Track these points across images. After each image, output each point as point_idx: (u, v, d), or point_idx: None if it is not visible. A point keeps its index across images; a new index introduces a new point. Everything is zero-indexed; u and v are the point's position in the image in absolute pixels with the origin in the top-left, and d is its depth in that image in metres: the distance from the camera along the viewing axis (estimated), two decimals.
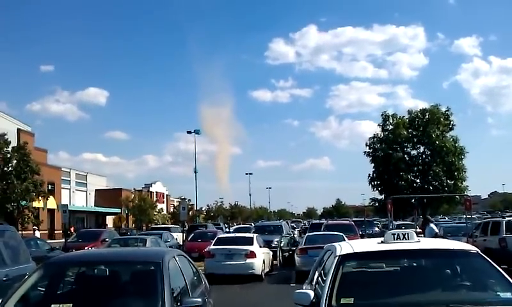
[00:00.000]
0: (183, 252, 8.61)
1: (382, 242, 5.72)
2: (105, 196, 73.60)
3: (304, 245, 19.14)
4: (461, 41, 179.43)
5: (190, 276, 7.11)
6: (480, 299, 4.92)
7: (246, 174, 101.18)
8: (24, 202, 31.69)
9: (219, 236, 22.83)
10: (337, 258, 5.50)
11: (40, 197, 33.84)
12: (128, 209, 69.29)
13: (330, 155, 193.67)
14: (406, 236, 5.64)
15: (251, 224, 47.74)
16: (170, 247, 24.29)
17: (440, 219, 56.29)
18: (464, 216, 29.02)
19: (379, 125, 43.01)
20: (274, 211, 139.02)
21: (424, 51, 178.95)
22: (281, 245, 23.49)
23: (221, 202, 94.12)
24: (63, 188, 62.82)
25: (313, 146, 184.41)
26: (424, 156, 41.89)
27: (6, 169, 30.92)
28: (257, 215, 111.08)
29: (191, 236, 30.83)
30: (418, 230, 24.89)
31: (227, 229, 45.21)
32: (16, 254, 9.88)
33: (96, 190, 75.22)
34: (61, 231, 47.91)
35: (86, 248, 21.04)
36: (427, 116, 41.29)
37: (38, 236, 31.16)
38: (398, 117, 42.58)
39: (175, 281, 5.96)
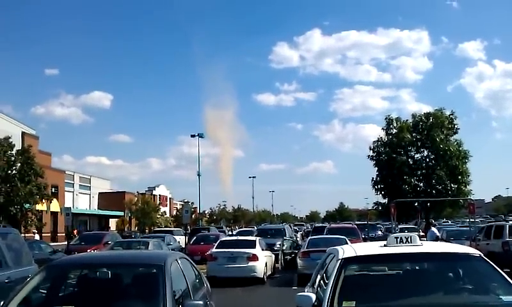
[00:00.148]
0: (185, 255, 8.60)
1: (385, 246, 5.71)
2: (109, 199, 73.69)
3: (307, 248, 19.11)
4: (465, 45, 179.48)
5: (192, 279, 7.10)
6: (483, 303, 4.91)
7: (249, 177, 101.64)
8: (28, 205, 31.73)
9: (222, 239, 22.83)
10: (339, 261, 5.49)
11: (44, 200, 33.86)
12: (131, 212, 69.37)
13: (334, 159, 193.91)
14: (409, 239, 5.63)
15: (253, 227, 47.74)
16: (173, 250, 24.27)
17: (443, 222, 56.14)
18: (468, 220, 28.99)
19: (382, 128, 43.01)
20: (277, 214, 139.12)
21: (428, 55, 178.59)
22: (284, 248, 23.46)
23: (224, 205, 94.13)
24: (67, 191, 62.95)
25: (317, 149, 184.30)
26: (427, 160, 41.81)
27: (10, 172, 30.95)
28: (260, 218, 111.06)
29: (193, 239, 30.85)
30: (421, 234, 24.86)
31: (229, 232, 45.24)
32: (18, 257, 9.90)
33: (99, 193, 75.34)
34: (63, 234, 47.99)
35: (88, 251, 21.07)
36: (431, 120, 41.21)
37: (38, 239, 31.21)
38: (402, 121, 42.55)
39: (176, 284, 5.96)
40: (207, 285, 8.09)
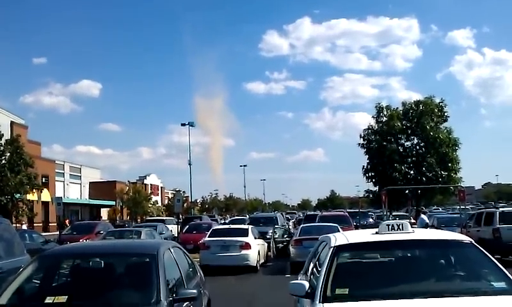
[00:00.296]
0: (178, 244, 8.61)
1: (376, 233, 5.75)
2: (100, 189, 73.50)
3: (299, 236, 19.18)
4: (454, 33, 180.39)
5: (185, 268, 7.12)
6: (474, 289, 4.95)
7: (240, 166, 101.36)
8: (18, 195, 31.58)
9: (214, 227, 22.86)
10: (332, 248, 5.52)
11: (34, 190, 33.74)
12: (122, 201, 69.25)
13: (324, 147, 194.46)
14: (401, 227, 5.67)
15: (245, 216, 47.82)
16: (165, 239, 24.33)
17: (434, 209, 56.53)
18: (458, 207, 29.21)
19: (373, 116, 43.07)
20: (268, 203, 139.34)
21: (417, 43, 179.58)
22: (276, 236, 23.55)
23: (216, 194, 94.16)
24: (57, 181, 62.71)
25: (307, 137, 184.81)
26: (417, 147, 41.96)
27: None
28: (252, 206, 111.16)
29: (185, 228, 30.85)
30: (413, 221, 25.03)
31: (222, 221, 45.30)
32: (10, 247, 9.85)
33: (90, 182, 75.12)
34: (55, 224, 47.84)
35: (80, 240, 21.03)
36: (421, 108, 41.32)
37: (25, 228, 31.10)
38: (392, 109, 42.60)
39: (170, 273, 5.97)
40: (200, 274, 8.11)
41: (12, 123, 48.79)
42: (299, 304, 5.82)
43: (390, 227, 5.68)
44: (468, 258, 5.57)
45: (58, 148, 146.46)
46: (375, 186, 42.44)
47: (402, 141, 42.38)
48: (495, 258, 5.54)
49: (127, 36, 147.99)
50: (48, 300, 5.41)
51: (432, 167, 39.60)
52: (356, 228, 24.93)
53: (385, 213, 28.78)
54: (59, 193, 56.51)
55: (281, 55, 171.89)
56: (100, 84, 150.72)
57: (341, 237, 5.99)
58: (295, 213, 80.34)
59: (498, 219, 18.58)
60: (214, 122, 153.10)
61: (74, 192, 69.34)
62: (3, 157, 31.08)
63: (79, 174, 72.71)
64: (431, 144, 39.97)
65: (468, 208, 35.51)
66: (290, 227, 37.30)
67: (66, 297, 5.46)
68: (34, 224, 44.24)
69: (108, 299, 5.60)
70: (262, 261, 19.43)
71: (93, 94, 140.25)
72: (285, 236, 24.05)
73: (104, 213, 71.71)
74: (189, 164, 57.69)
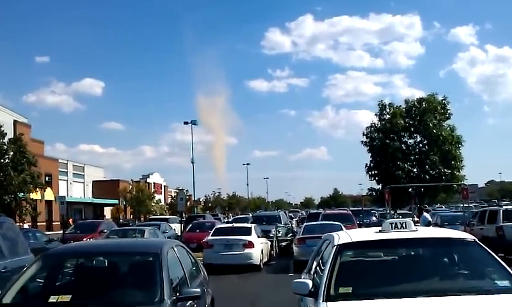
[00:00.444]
0: (181, 242, 8.62)
1: (380, 231, 5.75)
2: (103, 187, 73.56)
3: (302, 234, 19.18)
4: (457, 30, 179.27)
5: (188, 266, 7.13)
6: (478, 287, 4.94)
7: (243, 164, 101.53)
8: (22, 194, 31.63)
9: (218, 226, 22.88)
10: (335, 247, 5.52)
11: (38, 189, 33.76)
12: (126, 200, 69.31)
13: (327, 145, 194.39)
14: (404, 225, 5.67)
15: (249, 214, 47.83)
16: (168, 237, 24.36)
17: (437, 207, 56.45)
18: (462, 205, 29.14)
19: (376, 114, 42.92)
20: (271, 201, 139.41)
21: (420, 40, 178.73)
22: (279, 235, 23.55)
23: (219, 192, 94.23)
24: (61, 179, 62.80)
25: (310, 135, 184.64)
26: (420, 145, 41.84)
27: (2, 161, 30.81)
28: (255, 205, 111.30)
29: (189, 226, 30.88)
30: (416, 219, 24.98)
31: (226, 220, 45.31)
32: (14, 246, 9.89)
33: (93, 181, 75.18)
34: (59, 223, 47.97)
35: (84, 239, 21.09)
36: (423, 105, 41.20)
37: (27, 227, 31.13)
38: (395, 106, 42.51)
39: (173, 272, 5.98)
40: (203, 272, 8.12)
41: (15, 121, 48.87)
42: (303, 302, 5.82)
43: (393, 225, 5.68)
44: (471, 257, 5.56)
45: (61, 146, 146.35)
46: (378, 184, 42.39)
47: (405, 139, 42.26)
48: (499, 257, 5.53)
49: (129, 34, 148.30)
50: (52, 299, 5.43)
51: (436, 165, 39.51)
52: (359, 226, 24.89)
53: (388, 211, 28.70)
54: (62, 192, 56.55)
55: (284, 53, 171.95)
56: (102, 83, 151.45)
57: (344, 236, 5.99)
58: (298, 211, 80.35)
59: (501, 217, 18.55)
60: (217, 120, 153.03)
61: (77, 191, 69.45)
62: (6, 156, 31.11)
63: (82, 173, 72.78)
64: (434, 142, 39.88)
65: (472, 206, 35.39)
66: (293, 225, 37.33)
67: (70, 296, 5.48)
68: (38, 223, 44.36)
69: (112, 298, 5.61)
70: (265, 259, 19.43)
71: (96, 93, 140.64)
72: (288, 234, 24.06)
73: (107, 212, 71.80)
74: (192, 163, 57.87)
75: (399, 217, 25.66)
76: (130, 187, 72.07)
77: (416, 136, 42.09)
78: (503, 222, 18.29)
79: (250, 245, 18.18)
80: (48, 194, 47.73)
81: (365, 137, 42.59)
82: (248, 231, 19.25)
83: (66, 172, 66.96)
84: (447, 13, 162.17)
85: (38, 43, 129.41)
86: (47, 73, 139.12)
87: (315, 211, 47.86)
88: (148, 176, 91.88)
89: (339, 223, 19.24)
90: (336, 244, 5.60)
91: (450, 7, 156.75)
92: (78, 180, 70.93)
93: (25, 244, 10.98)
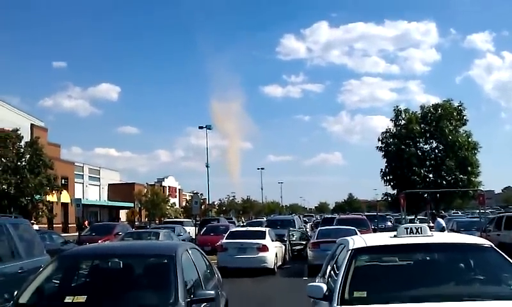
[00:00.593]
0: (195, 245, 8.64)
1: (395, 236, 5.71)
2: (119, 190, 73.99)
3: (317, 239, 19.14)
4: (473, 37, 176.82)
5: (203, 269, 7.14)
6: (494, 293, 4.90)
7: (258, 169, 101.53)
8: (38, 196, 31.94)
9: (232, 230, 22.90)
10: (350, 251, 5.50)
11: (54, 192, 34.07)
12: (141, 203, 69.64)
13: (342, 150, 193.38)
14: (419, 230, 5.63)
15: (263, 218, 47.83)
16: (183, 240, 24.41)
17: (453, 213, 55.98)
18: (478, 211, 28.86)
19: (391, 119, 42.78)
20: (286, 205, 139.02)
21: (436, 46, 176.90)
22: (293, 239, 23.50)
23: (233, 196, 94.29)
24: (77, 182, 63.26)
25: (325, 141, 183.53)
26: (436, 151, 41.59)
27: (19, 163, 31.15)
28: (269, 209, 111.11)
29: (203, 230, 30.95)
30: (431, 225, 24.77)
31: (240, 223, 45.34)
32: (30, 247, 9.98)
33: (109, 184, 75.65)
34: (74, 225, 48.30)
35: (99, 241, 21.20)
36: (439, 111, 40.95)
37: (37, 229, 31.38)
38: (410, 112, 42.31)
39: (188, 274, 5.99)
40: (218, 275, 8.13)
41: (32, 125, 49.36)
42: (317, 306, 5.80)
43: (408, 230, 5.64)
44: (488, 262, 5.50)
45: (77, 150, 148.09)
46: (393, 189, 42.17)
47: (421, 145, 42.05)
48: None
49: (145, 40, 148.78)
50: (68, 299, 5.47)
51: (452, 170, 39.23)
52: (374, 231, 24.78)
53: (404, 216, 28.52)
54: (78, 195, 57.01)
55: (299, 59, 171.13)
56: (118, 88, 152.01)
57: (359, 240, 5.96)
58: (312, 216, 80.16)
59: None
60: (232, 125, 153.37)
61: (93, 193, 69.92)
62: (23, 159, 31.45)
63: (98, 176, 73.28)
64: (450, 148, 39.60)
65: (488, 212, 35.04)
66: (308, 230, 37.26)
67: (85, 296, 5.52)
68: (54, 225, 44.72)
69: (126, 300, 5.63)
70: (279, 263, 19.41)
71: (112, 98, 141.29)
72: (302, 239, 24.01)
73: (123, 214, 72.20)
74: (207, 167, 57.99)
75: (420, 222, 25.48)
76: (145, 190, 72.41)
77: (432, 142, 41.86)
78: None
79: (264, 248, 18.17)
80: (65, 197, 48.16)
81: (380, 142, 42.48)
82: (262, 235, 19.25)
83: (82, 175, 67.46)
84: (464, 20, 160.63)
85: (56, 49, 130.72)
86: (64, 78, 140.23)
87: (329, 216, 47.73)
88: (163, 179, 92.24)
89: (354, 228, 19.17)
90: (351, 248, 5.58)
91: (466, 14, 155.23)
92: (94, 183, 71.42)
93: (41, 245, 11.08)
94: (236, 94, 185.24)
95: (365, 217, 31.29)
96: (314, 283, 5.71)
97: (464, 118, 41.08)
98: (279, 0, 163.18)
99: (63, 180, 47.64)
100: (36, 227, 35.99)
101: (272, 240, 19.31)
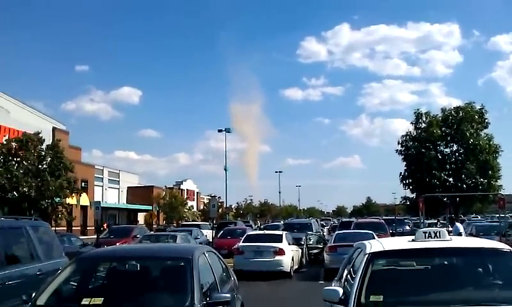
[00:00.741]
0: (212, 248, 8.65)
1: (413, 240, 5.66)
2: (137, 193, 74.46)
3: (334, 243, 19.04)
4: (497, 38, 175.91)
5: (219, 272, 7.15)
6: None
7: (276, 172, 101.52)
8: (58, 199, 32.24)
9: (249, 233, 22.91)
10: (367, 255, 5.46)
11: (74, 194, 34.36)
12: (159, 206, 70.01)
13: (361, 154, 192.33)
14: (438, 234, 5.57)
15: (280, 222, 47.74)
16: (200, 243, 24.47)
17: (473, 217, 55.31)
18: (498, 215, 28.49)
19: (411, 122, 42.46)
20: (303, 209, 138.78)
21: (458, 48, 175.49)
22: (310, 243, 23.42)
23: (251, 200, 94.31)
24: (96, 185, 63.78)
25: (344, 144, 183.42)
26: (457, 154, 41.18)
27: (40, 166, 31.50)
28: (286, 213, 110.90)
29: (220, 233, 31.02)
30: (450, 229, 24.51)
31: (258, 226, 45.27)
32: (49, 250, 10.08)
33: (128, 187, 76.17)
34: (93, 228, 48.69)
35: (117, 244, 21.34)
36: (461, 114, 40.56)
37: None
38: (431, 115, 41.93)
39: (204, 277, 6.01)
40: (234, 278, 8.13)
41: (54, 128, 49.93)
42: None
43: (426, 234, 5.58)
44: (507, 267, 5.43)
45: (98, 153, 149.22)
46: (412, 193, 41.84)
47: (441, 148, 41.65)
48: None
49: (166, 43, 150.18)
50: (85, 301, 5.50)
51: (472, 174, 38.80)
52: (392, 235, 24.58)
53: (422, 220, 28.25)
54: (97, 197, 57.47)
55: (319, 62, 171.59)
56: (140, 91, 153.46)
57: (376, 244, 5.91)
58: (330, 219, 79.84)
59: None
60: (251, 128, 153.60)
61: (112, 196, 70.45)
62: (44, 162, 31.80)
63: (118, 179, 73.82)
64: (471, 151, 39.18)
65: (508, 216, 34.55)
66: (325, 233, 37.10)
67: (102, 298, 5.55)
68: (73, 228, 45.12)
69: (143, 302, 5.67)
70: (295, 267, 19.35)
71: (133, 101, 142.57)
72: (320, 243, 23.92)
73: (141, 217, 72.62)
74: (225, 170, 58.18)
75: (442, 227, 25.19)
76: (164, 193, 72.77)
77: (453, 145, 41.44)
78: None
79: (281, 252, 18.14)
80: (84, 199, 48.59)
81: (400, 145, 42.18)
82: (279, 239, 19.22)
83: (102, 178, 68.02)
84: (487, 21, 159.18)
85: (79, 53, 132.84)
86: (87, 82, 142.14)
87: (347, 219, 47.50)
88: (181, 182, 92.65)
89: (371, 232, 19.04)
90: (368, 252, 5.54)
91: (490, 16, 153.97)
92: (113, 186, 71.97)
93: (60, 247, 11.19)
94: (256, 97, 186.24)
95: (382, 221, 31.09)
96: (330, 287, 5.68)
97: (486, 121, 40.64)
98: (300, 2, 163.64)
99: (82, 183, 48.07)
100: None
101: (289, 244, 19.27)
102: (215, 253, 7.70)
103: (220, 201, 65.14)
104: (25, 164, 30.78)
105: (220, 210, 63.86)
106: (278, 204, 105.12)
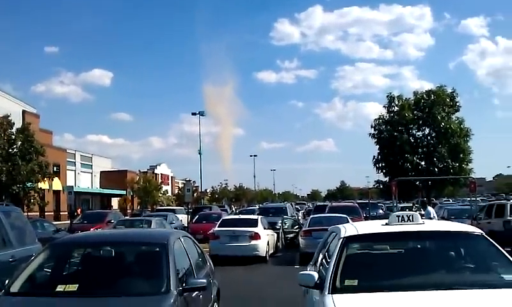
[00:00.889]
0: (188, 233, 8.64)
1: (386, 224, 5.73)
2: (111, 178, 73.78)
3: (309, 227, 19.18)
4: (468, 21, 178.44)
5: (195, 257, 7.15)
6: (484, 281, 4.93)
7: (250, 156, 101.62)
8: (30, 183, 31.78)
9: (224, 218, 22.92)
10: (342, 239, 5.52)
11: (46, 179, 33.90)
12: (133, 191, 69.55)
13: (335, 137, 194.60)
14: (411, 218, 5.65)
15: (255, 206, 47.90)
16: (175, 228, 24.41)
17: (445, 201, 56.26)
18: (469, 198, 29.02)
19: (384, 106, 42.81)
20: (278, 193, 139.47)
21: (430, 31, 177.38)
22: (285, 227, 23.55)
23: (226, 184, 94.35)
24: (68, 170, 63.00)
25: (318, 127, 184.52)
26: (429, 138, 41.68)
27: (10, 150, 30.94)
28: (262, 197, 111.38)
29: (195, 217, 30.97)
30: (423, 212, 24.90)
31: (233, 210, 45.30)
32: (22, 235, 9.94)
33: (101, 172, 75.41)
34: (66, 213, 48.19)
35: (91, 229, 21.16)
36: (432, 98, 41.00)
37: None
38: (403, 98, 42.33)
39: (180, 262, 6.00)
40: (210, 264, 8.15)
41: (24, 111, 48.99)
42: (308, 294, 5.83)
43: (400, 218, 5.66)
44: (478, 250, 5.55)
45: (69, 136, 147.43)
46: (385, 177, 42.32)
47: (414, 131, 42.13)
48: (506, 251, 5.50)
49: (138, 24, 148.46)
50: (59, 288, 5.47)
51: (444, 158, 39.37)
52: (366, 219, 24.85)
53: (395, 204, 28.64)
54: (70, 182, 56.74)
55: (293, 44, 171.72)
56: (111, 73, 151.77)
57: (351, 228, 5.98)
58: (304, 203, 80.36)
59: (509, 211, 18.50)
60: (224, 110, 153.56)
61: (85, 181, 69.68)
62: (14, 146, 31.24)
63: (90, 164, 72.98)
64: (443, 135, 39.71)
65: (479, 200, 35.22)
66: (300, 218, 37.35)
67: (77, 285, 5.53)
68: (45, 213, 44.60)
69: (118, 288, 5.63)
70: (271, 251, 19.44)
71: (105, 84, 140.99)
72: (295, 227, 24.07)
73: (115, 202, 72.06)
74: (199, 154, 58.02)
75: (419, 210, 25.50)
76: (138, 177, 72.26)
77: (425, 129, 41.95)
78: (510, 216, 18.23)
79: (256, 236, 18.20)
80: (56, 184, 48.01)
81: (373, 129, 42.52)
82: (254, 223, 19.27)
83: (74, 162, 67.18)
84: (458, 4, 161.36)
85: (47, 33, 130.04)
86: (56, 64, 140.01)
87: (321, 203, 47.79)
88: (155, 167, 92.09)
89: (345, 216, 19.21)
90: (342, 236, 5.59)
91: None
92: (86, 170, 71.17)
93: (33, 233, 11.03)
94: (229, 79, 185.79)
95: (356, 204, 31.40)
96: (305, 272, 5.73)
97: (457, 104, 41.23)
98: None
99: (54, 167, 47.43)
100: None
101: (265, 228, 19.33)
102: (190, 238, 7.69)
103: (195, 185, 65.12)
104: None
105: (195, 195, 63.80)
106: (253, 188, 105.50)
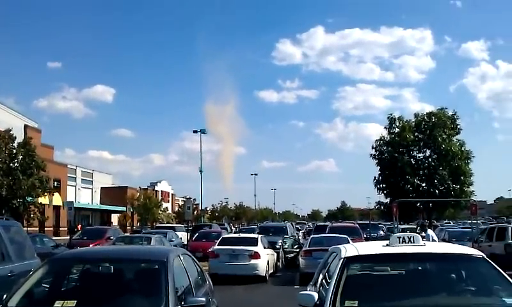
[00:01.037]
0: (187, 251, 8.60)
1: (387, 245, 5.70)
2: (111, 194, 73.70)
3: (309, 247, 19.10)
4: (468, 45, 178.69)
5: (194, 275, 7.10)
6: (485, 304, 4.91)
7: (251, 174, 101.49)
8: (30, 198, 31.73)
9: (224, 236, 22.84)
10: (342, 260, 5.48)
11: (46, 194, 33.84)
12: (133, 207, 69.41)
13: (336, 157, 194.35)
14: (412, 239, 5.62)
15: (255, 225, 47.73)
16: (175, 246, 24.32)
17: (445, 223, 56.07)
18: (470, 221, 28.95)
19: (385, 127, 42.91)
20: (279, 212, 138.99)
21: (431, 54, 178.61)
22: (286, 246, 23.45)
23: (226, 202, 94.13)
24: (69, 185, 62.96)
25: (319, 147, 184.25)
26: (430, 160, 41.71)
27: (11, 165, 30.95)
28: (262, 216, 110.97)
29: (195, 235, 30.86)
30: (423, 234, 24.79)
31: (233, 229, 45.11)
32: (21, 250, 9.90)
33: (101, 188, 75.35)
34: (66, 228, 48.05)
35: (90, 245, 21.11)
36: (433, 120, 41.12)
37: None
38: (404, 120, 42.44)
39: (179, 280, 5.96)
40: (209, 282, 8.09)
41: (25, 126, 49.11)
42: None
43: (400, 239, 5.63)
44: (479, 273, 5.51)
45: (70, 152, 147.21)
46: (386, 198, 42.27)
47: (414, 153, 42.15)
48: (507, 274, 5.47)
49: (141, 41, 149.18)
50: (57, 304, 5.41)
51: (444, 180, 39.34)
52: (367, 239, 24.77)
53: (396, 225, 28.55)
54: (70, 197, 56.66)
55: (294, 64, 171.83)
56: (113, 89, 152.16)
57: (351, 248, 5.95)
58: (305, 223, 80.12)
59: (510, 235, 18.42)
60: (226, 129, 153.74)
61: (85, 196, 69.63)
62: (15, 160, 31.26)
63: (91, 179, 72.98)
64: (443, 157, 39.73)
65: (480, 222, 35.10)
66: (300, 237, 37.20)
67: (75, 301, 5.46)
68: (45, 228, 44.47)
69: (117, 305, 5.59)
70: (271, 271, 19.34)
71: (107, 100, 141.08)
72: (295, 246, 23.97)
73: (115, 218, 71.89)
74: (200, 172, 57.90)
75: (421, 233, 25.41)
76: (138, 194, 72.17)
77: (426, 150, 41.97)
78: (511, 240, 18.15)
79: (256, 256, 18.11)
80: (56, 199, 47.90)
81: (374, 150, 42.57)
82: (254, 242, 19.19)
83: (75, 177, 67.18)
84: (459, 28, 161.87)
85: (51, 49, 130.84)
86: (59, 79, 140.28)
87: (322, 223, 47.67)
88: (156, 183, 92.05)
89: (346, 236, 19.15)
90: (343, 256, 5.56)
91: (462, 22, 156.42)
92: (86, 186, 71.14)
93: (32, 248, 11.00)
94: (231, 98, 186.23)
95: (357, 225, 31.30)
96: (305, 292, 5.69)
97: (458, 127, 41.34)
98: (275, 4, 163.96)
99: (55, 182, 47.44)
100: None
101: (265, 247, 19.25)
102: (190, 256, 7.65)
103: (195, 203, 64.90)
104: None
105: (195, 212, 63.65)
106: (253, 207, 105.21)
